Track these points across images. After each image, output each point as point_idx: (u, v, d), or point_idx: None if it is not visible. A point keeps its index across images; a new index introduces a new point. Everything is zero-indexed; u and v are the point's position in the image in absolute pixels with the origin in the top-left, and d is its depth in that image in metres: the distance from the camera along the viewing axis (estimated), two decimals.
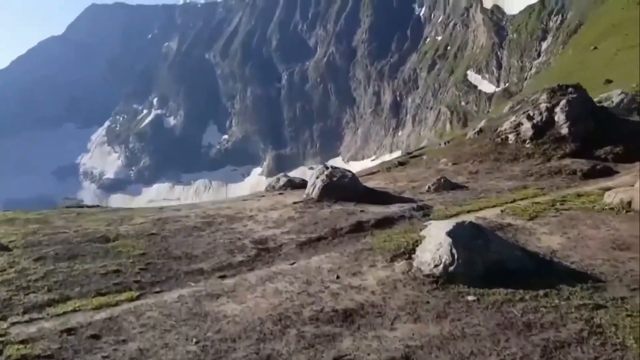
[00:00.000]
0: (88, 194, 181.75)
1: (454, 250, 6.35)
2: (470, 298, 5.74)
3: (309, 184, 11.47)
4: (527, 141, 13.12)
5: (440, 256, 6.38)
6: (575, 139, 12.43)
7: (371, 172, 15.69)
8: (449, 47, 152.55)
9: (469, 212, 9.44)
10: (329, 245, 8.05)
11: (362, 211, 9.68)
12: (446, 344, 4.58)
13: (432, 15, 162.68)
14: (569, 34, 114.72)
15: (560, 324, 4.84)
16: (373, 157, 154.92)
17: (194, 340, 4.86)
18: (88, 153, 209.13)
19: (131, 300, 5.94)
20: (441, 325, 4.97)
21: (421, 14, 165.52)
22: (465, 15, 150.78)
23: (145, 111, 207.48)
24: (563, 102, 13.14)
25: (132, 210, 12.18)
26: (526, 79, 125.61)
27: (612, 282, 5.84)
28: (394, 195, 11.23)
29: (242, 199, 12.26)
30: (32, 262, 7.09)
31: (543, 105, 13.51)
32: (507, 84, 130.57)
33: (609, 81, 33.45)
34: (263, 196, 12.75)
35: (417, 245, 6.91)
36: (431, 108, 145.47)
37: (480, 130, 15.02)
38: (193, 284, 6.63)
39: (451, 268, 6.23)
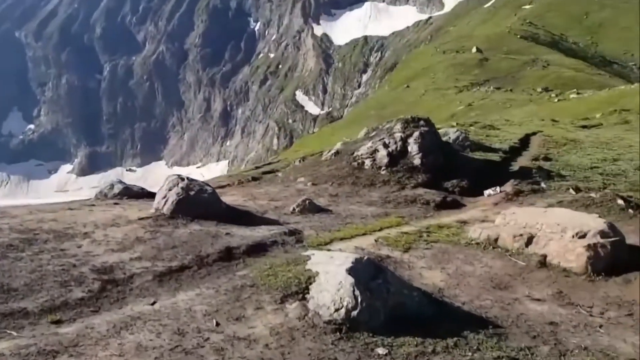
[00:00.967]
0: None
1: (356, 292, 5.52)
2: (380, 351, 4.96)
3: (158, 196, 9.66)
4: (383, 168, 13.31)
5: (341, 298, 5.50)
6: (427, 170, 12.98)
7: (220, 186, 14.32)
8: (280, 66, 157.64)
9: (341, 239, 8.85)
10: (196, 277, 6.57)
11: (227, 234, 8.36)
12: None
13: (267, 32, 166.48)
14: (386, 70, 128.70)
15: None
16: (199, 164, 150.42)
17: None
18: None
19: None
20: None
21: (255, 29, 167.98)
22: (297, 38, 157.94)
23: None
24: (416, 133, 13.70)
25: None
26: (347, 106, 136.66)
27: (511, 329, 5.69)
28: (258, 216, 10.13)
29: (67, 207, 9.76)
30: None
31: (397, 135, 13.91)
32: (330, 109, 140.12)
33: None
34: (94, 205, 10.44)
35: (311, 283, 5.95)
36: (260, 122, 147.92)
37: (337, 152, 14.90)
38: (15, 334, 4.61)
39: (354, 313, 5.39)
